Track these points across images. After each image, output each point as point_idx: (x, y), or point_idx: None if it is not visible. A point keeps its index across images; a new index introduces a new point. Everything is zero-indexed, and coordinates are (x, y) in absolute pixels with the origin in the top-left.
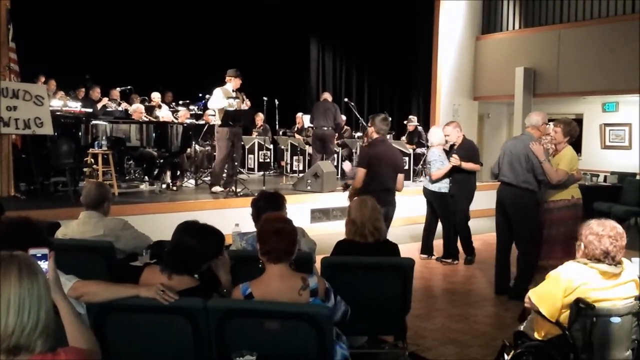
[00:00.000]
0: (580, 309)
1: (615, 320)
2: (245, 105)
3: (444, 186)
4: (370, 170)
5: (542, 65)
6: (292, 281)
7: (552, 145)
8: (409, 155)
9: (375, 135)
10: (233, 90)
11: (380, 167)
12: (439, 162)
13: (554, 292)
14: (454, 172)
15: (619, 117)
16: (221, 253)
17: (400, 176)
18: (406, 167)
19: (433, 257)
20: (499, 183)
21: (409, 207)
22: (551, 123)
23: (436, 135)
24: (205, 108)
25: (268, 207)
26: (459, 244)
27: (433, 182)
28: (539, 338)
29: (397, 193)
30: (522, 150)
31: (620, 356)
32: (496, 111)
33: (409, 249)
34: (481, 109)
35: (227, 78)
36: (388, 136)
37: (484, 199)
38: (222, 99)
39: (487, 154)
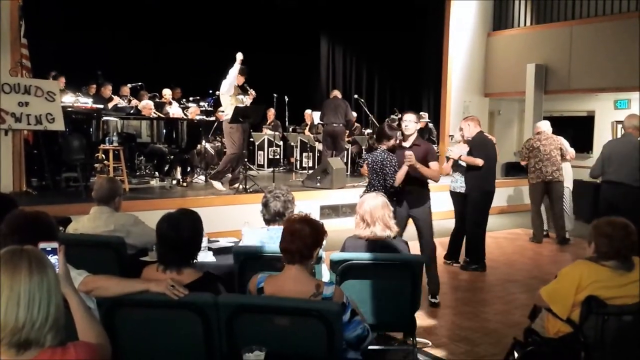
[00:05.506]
0: (592, 306)
1: (627, 318)
2: (251, 95)
3: (458, 186)
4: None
5: (554, 62)
6: (305, 286)
7: None
8: None
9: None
10: (238, 86)
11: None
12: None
13: (566, 289)
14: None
15: None
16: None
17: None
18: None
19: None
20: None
21: None
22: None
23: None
24: (216, 105)
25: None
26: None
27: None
28: (550, 336)
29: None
30: (632, 150)
31: (632, 354)
32: (507, 108)
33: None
34: (492, 106)
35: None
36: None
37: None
38: (232, 89)
39: (498, 151)
